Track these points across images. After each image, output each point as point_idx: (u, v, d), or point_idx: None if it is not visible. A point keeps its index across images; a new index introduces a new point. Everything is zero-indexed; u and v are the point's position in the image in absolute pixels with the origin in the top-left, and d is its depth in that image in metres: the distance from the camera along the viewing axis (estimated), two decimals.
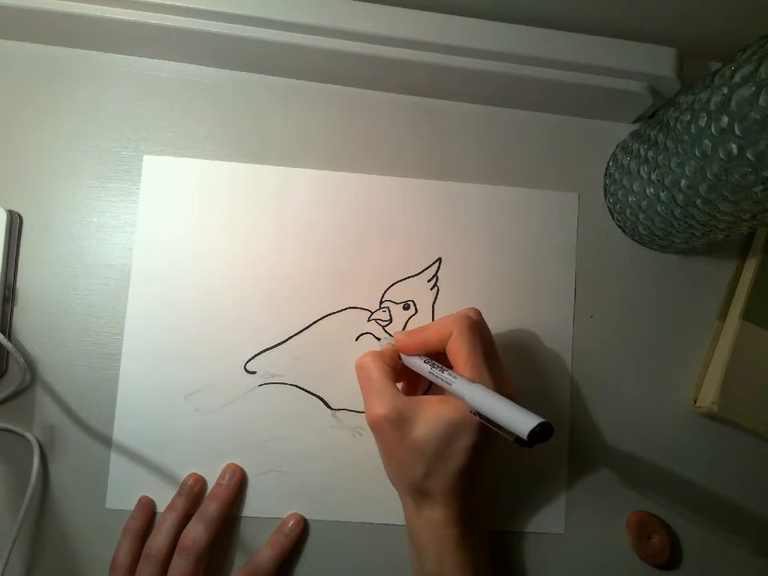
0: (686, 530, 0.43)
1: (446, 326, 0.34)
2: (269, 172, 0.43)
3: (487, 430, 0.32)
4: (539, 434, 0.28)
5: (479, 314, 0.36)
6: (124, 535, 0.38)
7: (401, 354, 0.37)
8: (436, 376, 0.34)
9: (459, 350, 0.34)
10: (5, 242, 0.39)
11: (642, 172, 0.40)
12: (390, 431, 0.33)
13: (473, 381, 0.33)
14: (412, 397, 0.34)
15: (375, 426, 0.34)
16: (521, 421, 0.29)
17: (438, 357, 0.36)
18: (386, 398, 0.33)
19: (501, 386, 0.34)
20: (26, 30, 0.41)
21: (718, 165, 0.33)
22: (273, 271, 0.42)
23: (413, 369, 0.37)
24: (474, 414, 0.32)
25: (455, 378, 0.33)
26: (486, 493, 0.39)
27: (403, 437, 0.33)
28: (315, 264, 0.42)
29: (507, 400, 0.31)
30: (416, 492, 0.34)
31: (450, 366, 0.35)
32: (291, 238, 0.42)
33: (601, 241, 0.45)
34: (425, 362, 0.35)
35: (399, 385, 0.39)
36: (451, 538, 0.33)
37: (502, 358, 0.36)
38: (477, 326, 0.35)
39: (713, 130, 0.32)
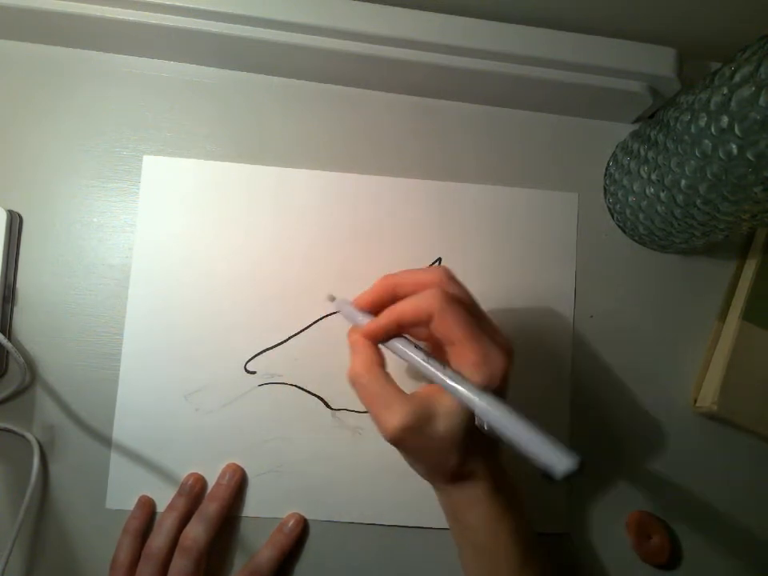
0: (686, 530, 0.43)
1: (421, 305, 0.31)
2: (268, 172, 0.43)
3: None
4: (574, 472, 0.27)
5: (451, 277, 0.33)
6: (124, 535, 0.38)
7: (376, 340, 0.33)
8: (434, 372, 0.31)
9: (450, 330, 0.30)
10: (5, 242, 0.39)
11: (642, 172, 0.40)
12: (413, 438, 0.30)
13: (480, 384, 0.30)
14: (418, 392, 0.31)
15: (396, 440, 0.31)
16: (556, 457, 0.27)
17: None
18: (396, 406, 0.30)
19: (495, 341, 0.31)
20: (26, 30, 0.41)
21: (717, 165, 0.33)
22: (273, 271, 0.42)
23: (396, 354, 0.33)
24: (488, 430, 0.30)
25: (458, 383, 0.30)
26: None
27: (429, 436, 0.30)
28: (315, 264, 0.42)
29: (528, 423, 0.29)
30: (456, 477, 0.32)
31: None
32: (291, 237, 0.42)
33: (601, 241, 0.45)
34: (416, 347, 0.32)
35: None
36: (500, 506, 0.33)
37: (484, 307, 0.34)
38: (456, 298, 0.32)
39: (713, 130, 0.32)
